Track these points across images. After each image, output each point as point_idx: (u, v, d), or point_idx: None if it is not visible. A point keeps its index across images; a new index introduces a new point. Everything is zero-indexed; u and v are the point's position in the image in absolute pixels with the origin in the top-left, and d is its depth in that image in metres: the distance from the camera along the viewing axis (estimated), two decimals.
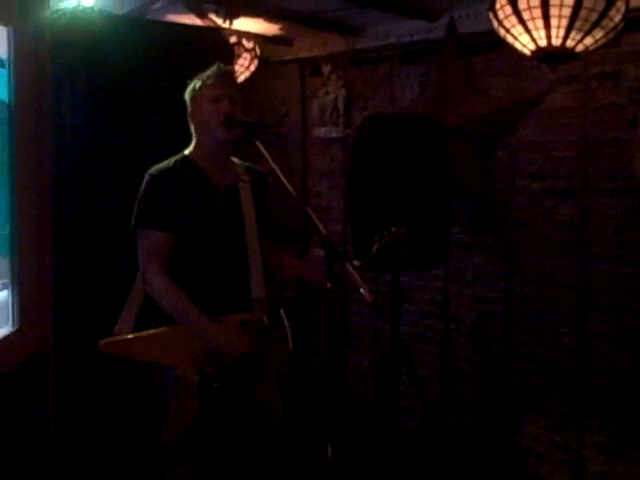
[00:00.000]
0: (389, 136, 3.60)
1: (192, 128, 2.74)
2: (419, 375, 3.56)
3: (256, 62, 4.66)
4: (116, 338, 2.60)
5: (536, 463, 4.13)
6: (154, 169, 2.66)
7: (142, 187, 2.64)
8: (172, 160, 2.70)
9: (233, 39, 4.43)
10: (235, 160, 2.81)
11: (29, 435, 2.50)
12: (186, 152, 2.74)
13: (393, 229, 2.78)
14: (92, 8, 3.58)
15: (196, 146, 2.73)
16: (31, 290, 2.46)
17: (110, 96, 3.30)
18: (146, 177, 2.65)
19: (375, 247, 2.77)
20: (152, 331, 2.61)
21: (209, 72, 2.70)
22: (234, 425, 2.68)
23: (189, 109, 2.72)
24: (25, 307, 2.41)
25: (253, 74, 4.68)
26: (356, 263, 2.61)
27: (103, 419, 3.29)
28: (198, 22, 4.36)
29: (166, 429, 2.63)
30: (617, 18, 2.72)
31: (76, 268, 3.20)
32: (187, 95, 2.73)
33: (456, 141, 3.98)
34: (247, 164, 2.84)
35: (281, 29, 4.86)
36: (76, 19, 3.36)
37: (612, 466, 3.80)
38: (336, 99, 5.05)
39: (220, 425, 2.63)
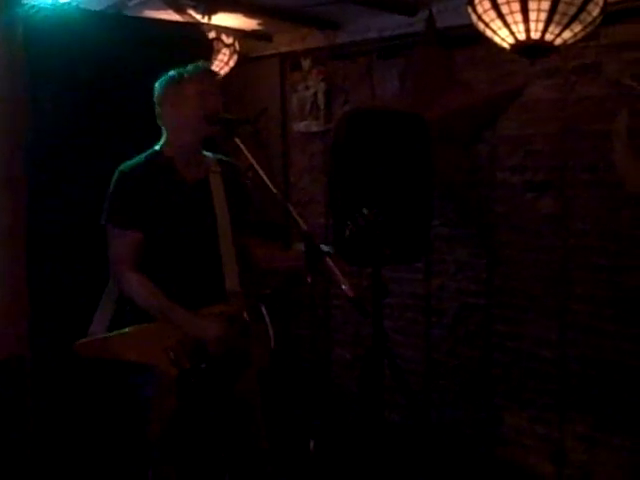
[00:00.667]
0: (369, 130, 3.59)
1: (163, 123, 2.71)
2: (402, 368, 3.57)
3: (235, 57, 4.64)
4: (92, 338, 2.59)
5: (519, 453, 4.16)
6: (123, 166, 2.65)
7: (112, 184, 2.63)
8: (142, 156, 2.69)
9: (212, 34, 4.41)
10: (207, 153, 2.80)
11: (6, 438, 2.47)
12: (157, 147, 2.73)
13: (365, 211, 2.76)
14: (69, 4, 3.55)
15: (167, 141, 2.72)
16: (5, 293, 2.43)
17: (88, 93, 3.27)
18: (116, 174, 2.64)
19: (348, 230, 2.76)
20: (127, 329, 2.60)
21: (192, 67, 2.68)
22: (214, 420, 2.68)
23: (163, 104, 2.69)
24: (0, 310, 2.37)
25: (232, 69, 4.67)
26: (327, 249, 2.60)
27: (82, 421, 3.26)
28: (176, 17, 4.34)
29: (147, 427, 2.62)
30: (595, 12, 2.73)
31: (50, 270, 3.16)
32: (161, 90, 2.70)
33: (437, 135, 3.98)
34: (219, 156, 2.83)
35: (260, 24, 4.84)
36: (53, 15, 3.32)
37: (593, 455, 3.84)
38: (316, 94, 5.04)
39: (200, 420, 2.63)
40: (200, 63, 2.72)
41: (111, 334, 2.61)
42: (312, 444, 2.51)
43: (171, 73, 2.69)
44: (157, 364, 2.54)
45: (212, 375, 2.60)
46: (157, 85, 2.71)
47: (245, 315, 2.65)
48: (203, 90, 2.64)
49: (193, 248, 2.65)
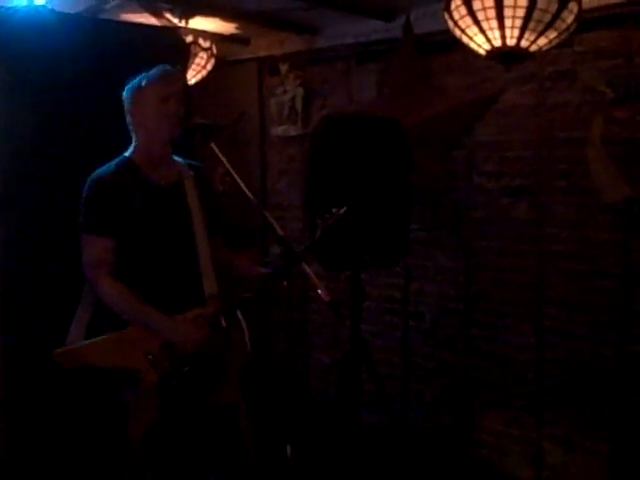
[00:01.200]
0: (347, 135, 3.61)
1: (132, 129, 2.70)
2: (379, 372, 3.58)
3: (213, 61, 4.63)
4: (70, 347, 2.57)
5: (496, 456, 4.19)
6: (94, 174, 2.64)
7: (84, 192, 2.62)
8: (112, 163, 2.68)
9: (189, 38, 4.39)
10: (177, 159, 2.79)
11: None
12: (127, 154, 2.71)
13: (334, 210, 2.76)
14: (44, 6, 3.52)
15: (137, 147, 2.71)
16: None
17: (63, 96, 3.24)
18: (87, 182, 2.63)
19: (318, 231, 2.75)
20: (105, 336, 2.58)
21: (154, 72, 2.67)
22: (196, 425, 2.67)
23: (130, 110, 2.68)
24: None
25: (210, 73, 4.65)
26: (300, 248, 2.60)
27: (59, 427, 3.22)
28: (153, 21, 4.32)
29: (128, 431, 2.60)
30: (570, 19, 2.77)
31: (23, 279, 3.13)
32: (128, 96, 2.68)
33: (414, 140, 3.99)
34: (188, 161, 2.82)
35: (237, 28, 4.84)
36: (27, 18, 3.29)
37: (570, 457, 3.87)
38: (294, 98, 5.04)
39: (182, 425, 2.62)
40: (162, 67, 2.70)
41: (89, 341, 2.59)
42: (289, 449, 2.51)
43: (135, 79, 2.68)
44: (138, 368, 2.53)
45: (193, 379, 2.58)
46: (124, 92, 2.70)
47: (222, 319, 2.64)
48: (164, 95, 2.62)
49: (170, 251, 2.64)
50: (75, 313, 2.67)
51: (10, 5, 3.48)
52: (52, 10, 3.47)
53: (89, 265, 2.59)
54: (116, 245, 2.59)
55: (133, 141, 2.72)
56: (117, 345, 2.56)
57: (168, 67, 2.72)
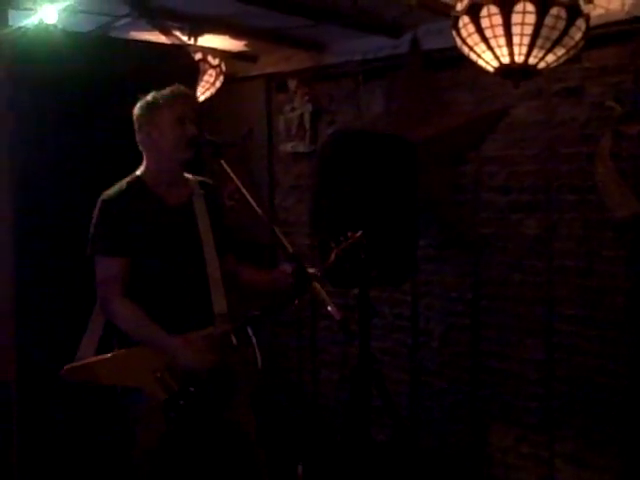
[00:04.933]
0: (355, 151, 3.62)
1: (142, 148, 2.70)
2: (389, 389, 3.56)
3: (222, 78, 4.65)
4: (79, 363, 2.57)
5: (506, 474, 4.15)
6: (105, 194, 2.64)
7: (95, 212, 2.62)
8: (124, 182, 2.67)
9: (198, 56, 4.42)
10: (188, 176, 2.79)
11: None
12: (138, 173, 2.71)
13: (349, 234, 2.77)
14: (55, 26, 3.55)
15: (148, 166, 2.70)
16: None
17: (73, 115, 3.26)
18: (98, 202, 2.63)
19: (333, 254, 2.76)
20: (114, 353, 2.58)
21: (170, 92, 2.67)
22: (204, 444, 2.66)
23: (142, 129, 2.67)
24: None
25: (219, 90, 4.68)
26: (314, 271, 2.60)
27: (68, 448, 3.22)
28: (163, 39, 4.35)
29: (134, 451, 2.60)
30: (578, 36, 2.78)
31: (37, 294, 3.14)
32: (140, 115, 2.67)
33: (422, 156, 4.00)
34: (200, 179, 2.82)
35: (246, 45, 4.86)
36: (38, 37, 3.32)
37: (581, 475, 3.83)
38: (302, 114, 5.06)
39: (189, 444, 2.61)
40: (176, 87, 2.69)
41: (98, 358, 2.59)
42: (300, 468, 2.50)
43: (148, 98, 2.67)
44: (145, 387, 2.52)
45: (201, 398, 2.57)
46: (135, 110, 2.69)
47: (232, 338, 2.64)
48: (178, 116, 2.63)
49: (180, 271, 2.64)
50: (86, 328, 2.67)
51: (21, 24, 3.51)
52: (62, 29, 3.50)
53: (100, 284, 2.60)
54: (127, 265, 2.59)
55: (144, 159, 2.71)
56: (125, 363, 2.56)
57: (182, 87, 2.72)
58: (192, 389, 2.55)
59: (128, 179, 2.69)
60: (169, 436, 2.55)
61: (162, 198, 2.68)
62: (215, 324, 2.63)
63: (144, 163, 2.71)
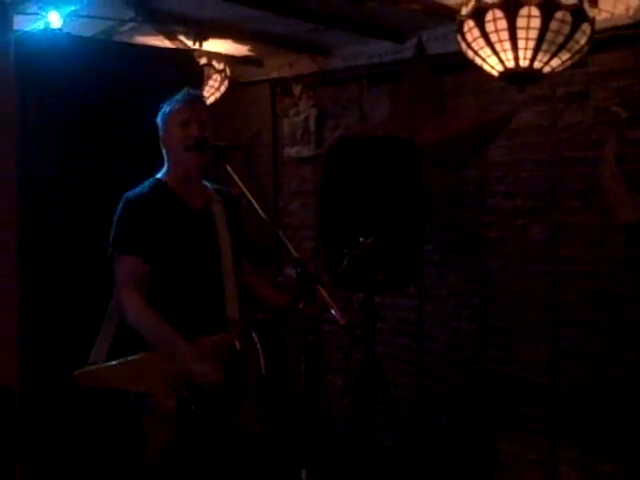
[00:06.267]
0: (359, 156, 3.61)
1: (164, 152, 2.73)
2: (394, 394, 3.56)
3: (226, 83, 4.67)
4: (91, 368, 2.56)
5: (511, 479, 4.13)
6: (128, 194, 2.66)
7: (117, 212, 2.63)
8: (146, 184, 2.70)
9: (203, 60, 4.43)
10: (206, 183, 2.81)
11: None
12: (159, 176, 2.74)
13: (361, 239, 2.77)
14: (60, 30, 3.56)
15: (168, 170, 2.73)
16: None
17: (78, 119, 3.27)
18: (120, 202, 2.64)
19: (346, 260, 2.76)
20: (127, 358, 2.58)
21: (177, 97, 2.70)
22: (214, 450, 2.65)
23: (160, 134, 2.72)
24: None
25: (223, 95, 4.69)
26: (326, 279, 2.61)
27: (76, 454, 3.20)
28: (168, 44, 4.36)
29: (145, 457, 2.59)
30: (583, 40, 2.77)
31: (46, 297, 3.14)
32: (158, 120, 2.73)
33: (426, 160, 4.00)
34: (217, 186, 2.84)
35: (250, 50, 4.87)
36: (44, 42, 3.33)
37: None
38: (307, 119, 5.07)
39: (200, 450, 2.60)
40: (185, 91, 2.73)
41: (110, 363, 2.58)
42: (304, 473, 2.48)
43: (165, 104, 2.72)
44: (156, 393, 2.52)
45: (212, 405, 2.57)
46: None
47: (237, 343, 2.63)
48: (185, 120, 2.65)
49: (197, 275, 2.65)
50: (98, 332, 2.67)
51: (27, 29, 3.52)
52: (68, 33, 3.51)
53: (118, 283, 2.60)
54: (146, 266, 2.59)
55: (165, 163, 2.74)
56: (137, 368, 2.55)
57: (191, 91, 2.75)
58: (203, 395, 2.54)
59: (150, 181, 2.71)
60: (180, 442, 2.54)
61: (184, 201, 2.70)
62: (228, 330, 2.64)
63: (165, 166, 2.75)
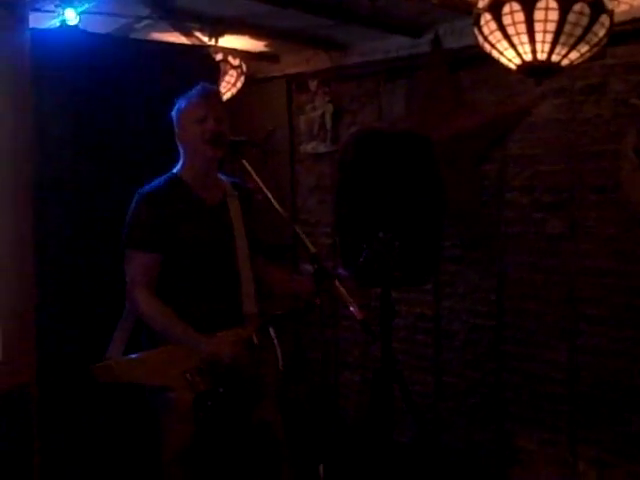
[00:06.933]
0: (376, 151, 3.60)
1: (180, 147, 2.73)
2: (411, 390, 3.54)
3: (242, 79, 4.66)
4: (108, 362, 2.57)
5: (529, 476, 4.11)
6: (143, 189, 2.66)
7: (131, 207, 2.64)
8: (161, 179, 2.70)
9: (219, 56, 4.43)
10: (221, 177, 2.81)
11: (11, 472, 2.42)
12: (174, 170, 2.74)
13: (381, 235, 2.77)
14: (76, 27, 3.57)
15: (184, 165, 2.73)
16: (12, 320, 2.40)
17: (95, 116, 3.27)
18: (135, 197, 2.65)
19: (364, 256, 2.76)
20: (144, 353, 2.59)
21: (193, 92, 2.70)
22: (233, 445, 2.65)
23: (176, 129, 2.72)
24: (6, 339, 2.33)
25: (239, 91, 4.68)
26: (344, 272, 2.61)
27: (93, 451, 3.21)
28: (184, 40, 4.36)
29: (162, 452, 2.59)
30: (601, 32, 2.74)
31: (63, 292, 3.15)
32: (173, 116, 2.73)
33: (444, 155, 3.98)
34: (233, 180, 2.84)
35: (267, 46, 4.86)
36: (60, 39, 3.34)
37: (605, 478, 3.78)
38: (323, 114, 5.06)
39: (217, 445, 2.60)
40: (200, 86, 2.72)
41: (128, 357, 2.59)
42: (321, 469, 2.48)
43: (180, 98, 2.72)
44: (174, 387, 2.52)
45: (230, 399, 2.57)
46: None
47: (254, 338, 2.63)
48: (201, 116, 2.64)
49: (213, 270, 2.65)
50: (115, 328, 2.68)
51: (43, 27, 3.53)
52: (84, 31, 3.52)
53: (130, 280, 2.61)
54: (158, 261, 2.60)
55: (181, 158, 2.74)
56: (154, 363, 2.56)
57: (207, 86, 2.74)
58: (220, 390, 2.54)
59: (165, 176, 2.72)
60: (198, 436, 2.54)
61: (199, 196, 2.70)
62: (245, 325, 2.63)
63: (180, 161, 2.75)
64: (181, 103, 2.71)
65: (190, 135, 2.66)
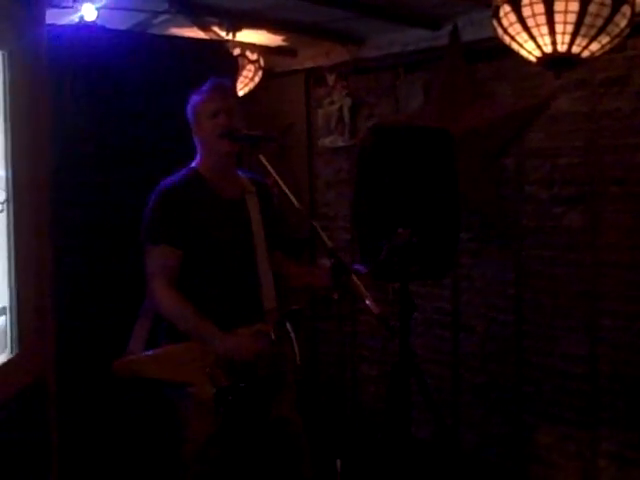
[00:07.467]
0: (395, 145, 3.58)
1: (196, 142, 2.74)
2: (429, 385, 3.53)
3: (260, 73, 4.66)
4: (129, 358, 2.58)
5: (549, 472, 4.09)
6: (162, 184, 2.66)
7: (150, 201, 2.64)
8: (180, 173, 2.71)
9: (237, 51, 4.43)
10: (240, 173, 2.81)
11: (29, 468, 2.44)
12: (193, 165, 2.74)
13: (400, 230, 2.76)
14: (95, 23, 3.59)
15: (201, 159, 2.74)
16: (30, 314, 2.42)
17: (114, 112, 3.28)
18: (155, 191, 2.65)
19: (384, 251, 2.75)
20: (164, 348, 2.60)
21: (204, 87, 2.71)
22: (253, 440, 2.65)
23: (190, 124, 2.73)
24: (24, 332, 2.35)
25: (257, 85, 4.68)
26: (361, 267, 2.60)
27: (113, 446, 3.22)
28: (201, 35, 4.37)
29: (183, 447, 2.60)
30: (623, 23, 2.71)
31: (82, 287, 3.17)
32: (188, 111, 2.74)
33: (462, 149, 3.96)
34: (251, 175, 2.84)
35: (284, 40, 4.86)
36: (78, 35, 3.35)
37: (626, 474, 3.76)
38: (341, 108, 5.05)
39: (237, 440, 2.61)
40: (212, 80, 2.73)
41: (148, 353, 2.60)
42: (339, 464, 2.48)
43: (193, 94, 2.73)
44: (194, 382, 2.53)
45: (249, 395, 2.57)
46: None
47: (272, 333, 2.63)
48: (215, 109, 2.65)
49: (232, 265, 2.65)
50: (135, 324, 2.69)
51: (61, 23, 3.55)
52: (102, 27, 3.53)
53: (150, 274, 2.61)
54: (178, 256, 2.60)
55: (198, 153, 2.75)
56: (175, 358, 2.56)
57: (219, 80, 2.74)
58: (241, 385, 2.55)
59: (184, 171, 2.72)
60: (218, 432, 2.55)
61: (217, 191, 2.70)
62: (265, 320, 2.63)
63: (198, 156, 2.75)
64: (194, 99, 2.71)
65: (204, 130, 2.67)
